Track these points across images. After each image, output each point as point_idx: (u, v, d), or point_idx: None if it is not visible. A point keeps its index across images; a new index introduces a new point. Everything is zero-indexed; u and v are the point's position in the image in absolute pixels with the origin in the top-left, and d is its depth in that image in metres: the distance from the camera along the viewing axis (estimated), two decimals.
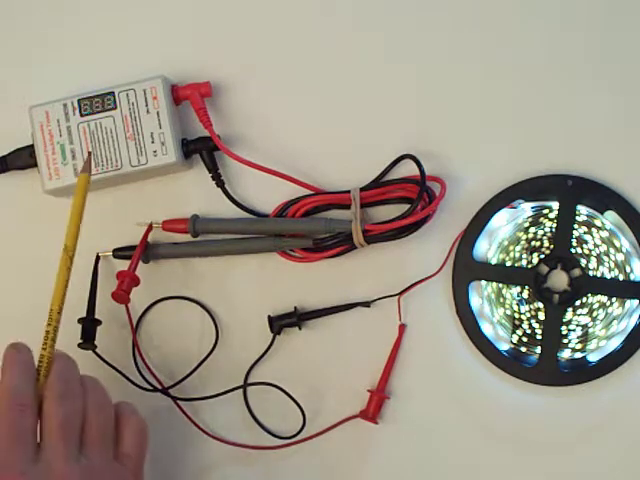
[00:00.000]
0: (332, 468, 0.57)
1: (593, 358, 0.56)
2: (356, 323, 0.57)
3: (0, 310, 0.58)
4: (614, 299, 0.56)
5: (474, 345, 0.56)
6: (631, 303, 0.55)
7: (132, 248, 0.57)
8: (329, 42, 0.58)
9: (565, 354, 0.56)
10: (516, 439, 0.56)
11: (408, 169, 0.56)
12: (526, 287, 0.56)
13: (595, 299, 0.56)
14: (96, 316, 0.56)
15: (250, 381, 0.57)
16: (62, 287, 0.49)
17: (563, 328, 0.55)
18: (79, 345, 0.55)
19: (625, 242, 0.56)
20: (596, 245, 0.56)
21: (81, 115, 0.55)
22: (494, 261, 0.57)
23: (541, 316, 0.56)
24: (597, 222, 0.56)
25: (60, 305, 0.49)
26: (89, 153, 0.55)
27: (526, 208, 0.57)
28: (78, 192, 0.52)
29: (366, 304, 0.56)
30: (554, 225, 0.56)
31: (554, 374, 0.55)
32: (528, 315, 0.56)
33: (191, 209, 0.58)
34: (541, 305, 0.56)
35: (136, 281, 0.56)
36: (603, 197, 0.56)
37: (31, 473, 0.44)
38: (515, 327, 0.56)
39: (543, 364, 0.55)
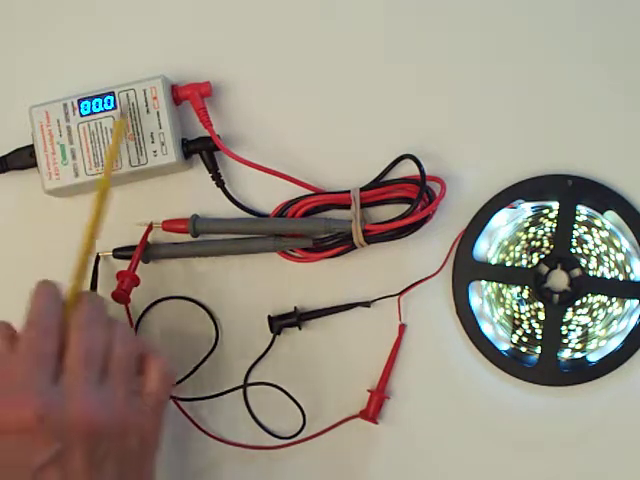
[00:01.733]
0: (332, 468, 0.57)
1: (593, 358, 0.56)
2: (356, 323, 0.57)
3: (0, 310, 0.58)
4: (614, 299, 0.56)
5: (474, 345, 0.56)
6: (631, 303, 0.55)
7: (132, 248, 0.57)
8: (329, 42, 0.58)
9: (565, 354, 0.56)
10: (516, 439, 0.56)
11: (408, 169, 0.56)
12: (526, 287, 0.56)
13: (595, 299, 0.56)
14: None
15: (250, 381, 0.57)
16: (94, 222, 0.50)
17: (563, 328, 0.55)
18: None
19: (625, 242, 0.56)
20: (596, 245, 0.56)
21: (81, 115, 0.55)
22: (494, 261, 0.57)
23: (541, 316, 0.56)
24: (597, 222, 0.56)
25: (90, 239, 0.49)
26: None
27: (526, 208, 0.57)
28: (115, 136, 0.54)
29: (366, 304, 0.56)
30: (554, 225, 0.56)
31: (554, 374, 0.55)
32: (528, 315, 0.56)
33: (191, 209, 0.58)
34: (541, 305, 0.56)
35: (136, 281, 0.56)
36: (603, 197, 0.56)
37: (49, 394, 0.44)
38: (515, 327, 0.56)
39: (543, 364, 0.55)
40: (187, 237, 0.57)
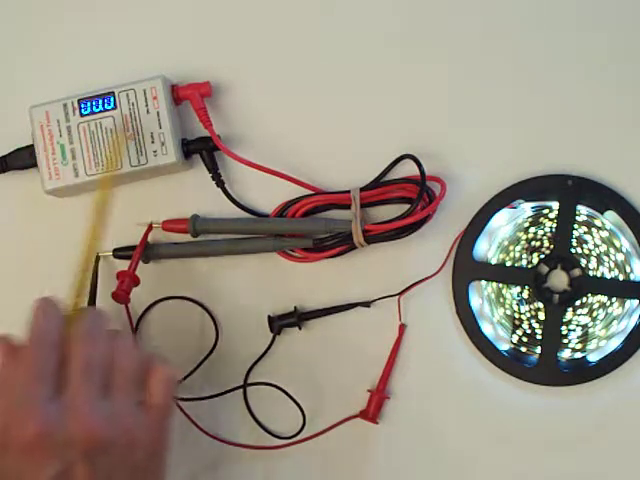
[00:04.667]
0: (332, 468, 0.57)
1: (593, 358, 0.56)
2: (356, 323, 0.57)
3: (0, 310, 0.58)
4: (614, 299, 0.56)
5: (474, 345, 0.56)
6: (631, 303, 0.55)
7: (132, 248, 0.57)
8: (329, 42, 0.58)
9: (565, 354, 0.56)
10: (516, 439, 0.56)
11: (408, 169, 0.56)
12: (526, 287, 0.56)
13: (595, 299, 0.56)
14: None
15: (250, 381, 0.57)
16: (93, 237, 0.49)
17: (563, 328, 0.56)
18: None
19: (625, 242, 0.56)
20: (596, 245, 0.56)
21: (81, 115, 0.55)
22: (494, 261, 0.57)
23: (541, 316, 0.56)
24: (597, 222, 0.56)
25: (89, 256, 0.49)
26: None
27: (526, 208, 0.57)
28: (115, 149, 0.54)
29: (366, 304, 0.56)
30: (554, 225, 0.56)
31: (554, 374, 0.55)
32: (528, 315, 0.56)
33: (191, 209, 0.58)
34: (541, 305, 0.56)
35: (136, 281, 0.56)
36: (603, 197, 0.56)
37: (49, 410, 0.43)
38: (515, 327, 0.56)
39: (543, 364, 0.55)
40: (187, 237, 0.57)
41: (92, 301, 0.56)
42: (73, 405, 0.43)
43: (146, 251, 0.57)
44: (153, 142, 0.55)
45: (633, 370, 0.55)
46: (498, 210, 0.56)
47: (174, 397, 0.48)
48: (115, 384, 0.45)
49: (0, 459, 0.43)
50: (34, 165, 0.56)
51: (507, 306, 0.57)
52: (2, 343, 0.46)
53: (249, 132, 0.58)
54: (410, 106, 0.57)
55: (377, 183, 0.56)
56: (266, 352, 0.57)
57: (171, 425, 0.48)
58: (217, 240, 0.57)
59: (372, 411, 0.56)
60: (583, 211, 0.56)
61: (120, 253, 0.57)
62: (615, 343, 0.55)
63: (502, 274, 0.56)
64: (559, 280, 0.56)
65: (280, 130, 0.58)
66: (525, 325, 0.56)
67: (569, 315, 0.56)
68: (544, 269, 0.56)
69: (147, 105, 0.55)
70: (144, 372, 0.47)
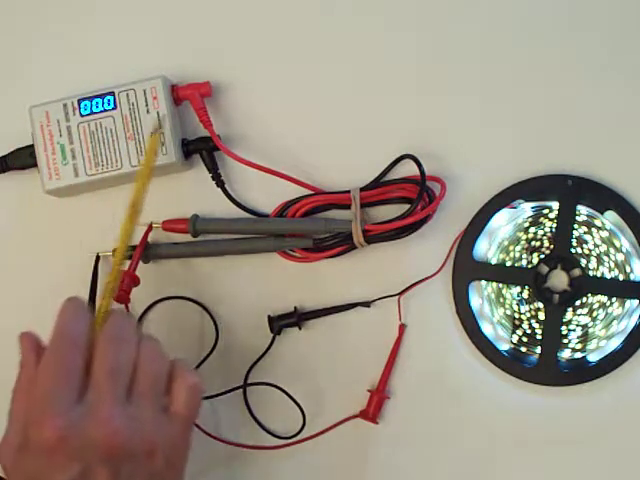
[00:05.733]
0: (332, 468, 0.57)
1: (593, 358, 0.56)
2: (356, 323, 0.57)
3: (0, 311, 0.58)
4: (614, 299, 0.56)
5: (474, 345, 0.56)
6: (631, 303, 0.55)
7: (132, 248, 0.56)
8: (329, 42, 0.58)
9: (565, 354, 0.56)
10: (516, 439, 0.56)
11: (408, 169, 0.56)
12: (526, 287, 0.56)
13: (595, 299, 0.56)
14: None
15: (250, 381, 0.57)
16: (124, 240, 0.49)
17: (563, 328, 0.56)
18: None
19: (625, 242, 0.56)
20: (596, 245, 0.56)
21: (81, 115, 0.55)
22: (494, 261, 0.57)
23: (541, 316, 0.56)
24: (597, 222, 0.56)
25: (121, 257, 0.48)
26: (161, 114, 0.55)
27: (526, 208, 0.57)
28: (148, 152, 0.53)
29: (366, 304, 0.56)
30: (554, 225, 0.56)
31: (554, 374, 0.55)
32: (528, 315, 0.56)
33: (191, 209, 0.58)
34: (541, 305, 0.56)
35: (136, 281, 0.56)
36: (603, 197, 0.56)
37: (71, 413, 0.42)
38: (515, 327, 0.56)
39: (543, 364, 0.55)
40: (187, 237, 0.57)
41: (92, 301, 0.56)
42: (96, 409, 0.43)
43: (146, 251, 0.57)
44: None
45: (633, 370, 0.55)
46: (498, 210, 0.56)
47: (199, 406, 0.47)
48: (139, 389, 0.45)
49: (20, 458, 0.43)
50: (34, 165, 0.56)
51: (507, 306, 0.57)
52: (28, 341, 0.46)
53: (249, 132, 0.58)
54: (410, 106, 0.57)
55: (377, 183, 0.56)
56: (266, 352, 0.57)
57: (192, 435, 0.47)
58: (217, 240, 0.57)
59: (372, 411, 0.56)
60: (583, 211, 0.56)
61: None
62: (615, 343, 0.55)
63: (502, 274, 0.56)
64: (559, 280, 0.56)
65: (280, 130, 0.58)
66: (525, 325, 0.56)
67: (569, 315, 0.56)
68: (544, 269, 0.56)
69: (147, 105, 0.55)
70: (169, 378, 0.46)
